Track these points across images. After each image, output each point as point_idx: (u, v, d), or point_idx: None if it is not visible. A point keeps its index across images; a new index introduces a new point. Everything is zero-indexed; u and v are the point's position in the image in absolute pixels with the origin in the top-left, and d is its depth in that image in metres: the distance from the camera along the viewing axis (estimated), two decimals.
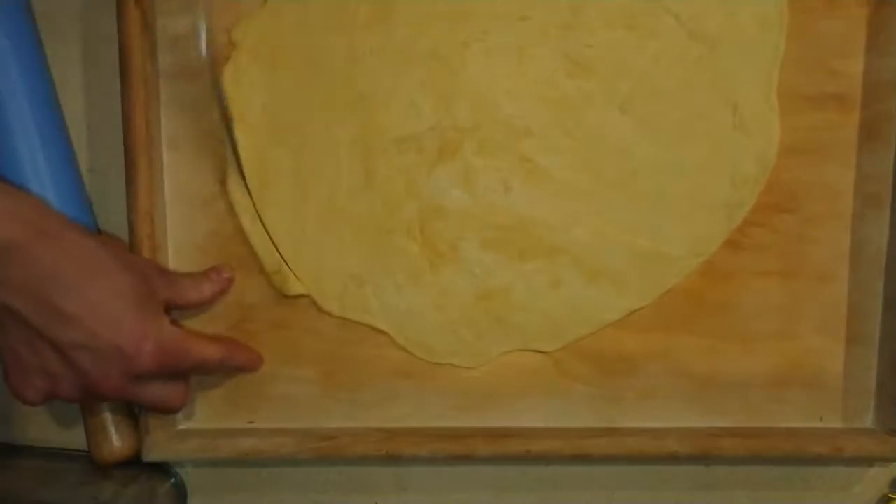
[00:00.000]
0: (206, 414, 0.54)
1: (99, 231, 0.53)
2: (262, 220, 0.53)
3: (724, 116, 0.52)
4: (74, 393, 0.46)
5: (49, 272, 0.43)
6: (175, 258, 0.54)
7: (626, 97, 0.52)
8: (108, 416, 0.52)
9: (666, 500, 0.55)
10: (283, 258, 0.53)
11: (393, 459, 0.52)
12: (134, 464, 0.53)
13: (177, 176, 0.54)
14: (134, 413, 0.53)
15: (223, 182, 0.53)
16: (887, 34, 0.51)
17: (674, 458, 0.52)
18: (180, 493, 0.55)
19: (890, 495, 0.55)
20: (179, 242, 0.54)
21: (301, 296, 0.53)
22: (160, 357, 0.46)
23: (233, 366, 0.52)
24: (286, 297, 0.53)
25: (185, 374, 0.50)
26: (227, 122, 0.53)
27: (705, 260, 0.53)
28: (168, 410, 0.50)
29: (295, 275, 0.53)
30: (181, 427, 0.54)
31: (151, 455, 0.52)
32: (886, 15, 0.51)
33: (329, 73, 0.52)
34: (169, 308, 0.49)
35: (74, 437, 0.55)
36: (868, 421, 0.53)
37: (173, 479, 0.55)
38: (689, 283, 0.53)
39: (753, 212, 0.52)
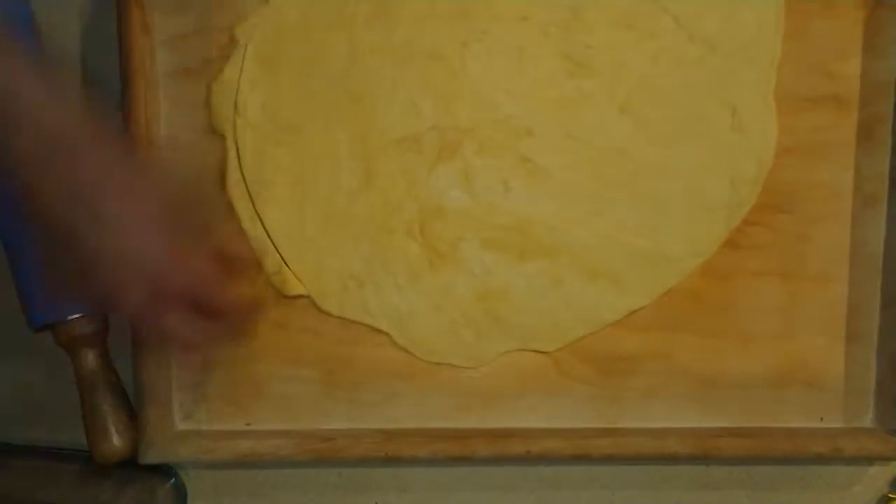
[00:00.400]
0: (203, 415, 0.54)
1: None
2: (261, 221, 0.53)
3: (722, 118, 0.52)
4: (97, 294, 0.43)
5: (95, 173, 0.40)
6: None
7: (626, 98, 0.52)
8: (108, 416, 0.52)
9: (666, 500, 0.55)
10: (282, 258, 0.53)
11: (392, 461, 0.52)
12: (134, 464, 0.53)
13: (176, 176, 0.53)
14: (135, 413, 0.53)
15: (223, 182, 0.53)
16: (884, 36, 0.52)
17: (674, 458, 0.52)
18: (180, 494, 0.55)
19: (890, 495, 0.55)
20: None
21: (301, 296, 0.53)
22: (193, 279, 0.43)
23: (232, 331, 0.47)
24: (286, 297, 0.53)
25: (211, 316, 0.45)
26: (226, 122, 0.53)
27: (705, 260, 0.53)
28: (185, 347, 0.47)
29: (295, 275, 0.53)
30: (179, 428, 0.54)
31: (148, 457, 0.52)
32: (883, 17, 0.51)
33: (329, 73, 0.52)
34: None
35: (74, 437, 0.54)
36: (868, 420, 0.53)
37: (173, 480, 0.54)
38: (689, 284, 0.53)
39: (752, 212, 0.53)
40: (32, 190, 0.40)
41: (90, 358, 0.53)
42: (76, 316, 0.52)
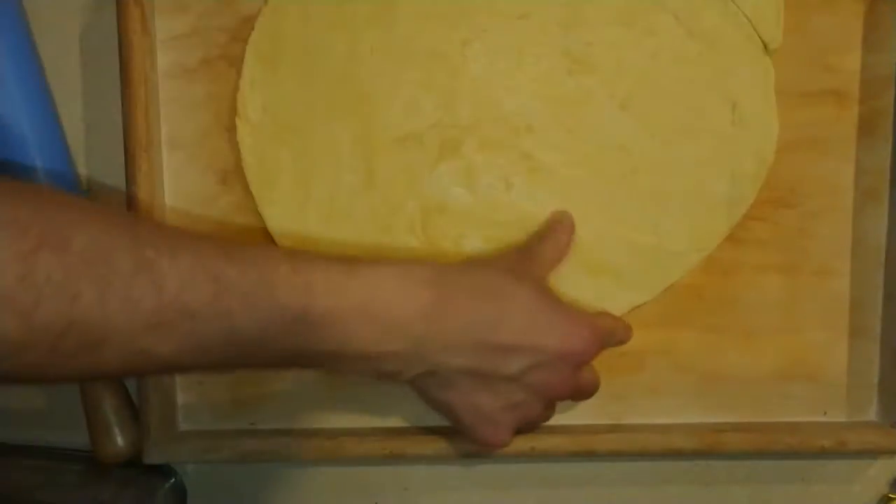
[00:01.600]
0: (207, 415, 0.54)
1: None
2: (263, 220, 0.53)
3: (722, 113, 0.52)
4: (538, 410, 0.47)
5: (470, 319, 0.43)
6: None
7: (626, 94, 0.52)
8: (111, 416, 0.52)
9: (666, 498, 0.55)
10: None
11: (396, 459, 0.52)
12: (134, 464, 0.52)
13: (177, 176, 0.53)
14: (137, 413, 0.53)
15: (223, 182, 0.53)
16: (883, 30, 0.52)
17: (679, 454, 0.51)
18: (180, 494, 0.55)
19: (890, 495, 0.55)
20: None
21: None
22: (597, 337, 0.46)
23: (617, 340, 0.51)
24: None
25: None
26: (227, 121, 0.53)
27: (707, 255, 0.53)
28: (592, 391, 0.50)
29: None
30: (182, 429, 0.54)
31: (152, 457, 0.52)
32: (882, 10, 0.52)
33: (330, 72, 0.52)
34: None
35: (74, 437, 0.54)
36: (872, 414, 0.53)
37: (173, 480, 0.54)
38: (691, 279, 0.53)
39: (754, 207, 0.52)
40: (430, 363, 0.43)
41: None
42: None
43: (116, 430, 0.52)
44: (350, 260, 0.42)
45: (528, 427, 0.49)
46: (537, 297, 0.45)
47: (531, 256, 0.49)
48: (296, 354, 0.40)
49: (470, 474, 0.55)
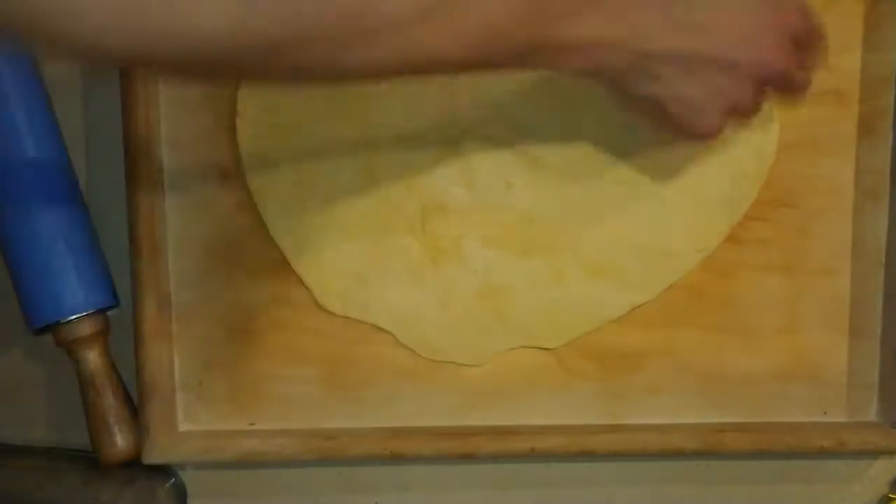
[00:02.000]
0: (207, 415, 0.54)
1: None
2: (263, 220, 0.53)
3: None
4: (749, 93, 0.44)
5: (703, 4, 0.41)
6: (175, 257, 0.53)
7: None
8: (111, 416, 0.52)
9: (666, 497, 0.55)
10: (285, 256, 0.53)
11: (396, 459, 0.52)
12: (134, 464, 0.52)
13: (177, 176, 0.53)
14: (138, 413, 0.53)
15: (223, 182, 0.53)
16: (884, 29, 0.52)
17: (679, 454, 0.51)
18: (180, 494, 0.55)
19: (890, 496, 0.55)
20: (180, 241, 0.53)
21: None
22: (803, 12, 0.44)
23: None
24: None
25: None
26: (227, 121, 0.53)
27: (707, 255, 0.53)
28: (812, 63, 0.47)
29: (296, 273, 0.53)
30: (182, 429, 0.54)
31: (152, 457, 0.52)
32: (883, 10, 0.52)
33: None
34: None
35: (74, 437, 0.54)
36: (872, 414, 0.53)
37: (173, 480, 0.54)
38: (692, 279, 0.53)
39: (754, 207, 0.53)
40: (655, 39, 0.41)
41: (91, 358, 0.52)
42: (76, 316, 0.52)
43: (116, 430, 0.52)
44: None
45: (742, 113, 0.45)
46: None
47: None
48: (530, 47, 0.39)
49: (470, 474, 0.55)
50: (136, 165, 0.51)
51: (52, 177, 0.52)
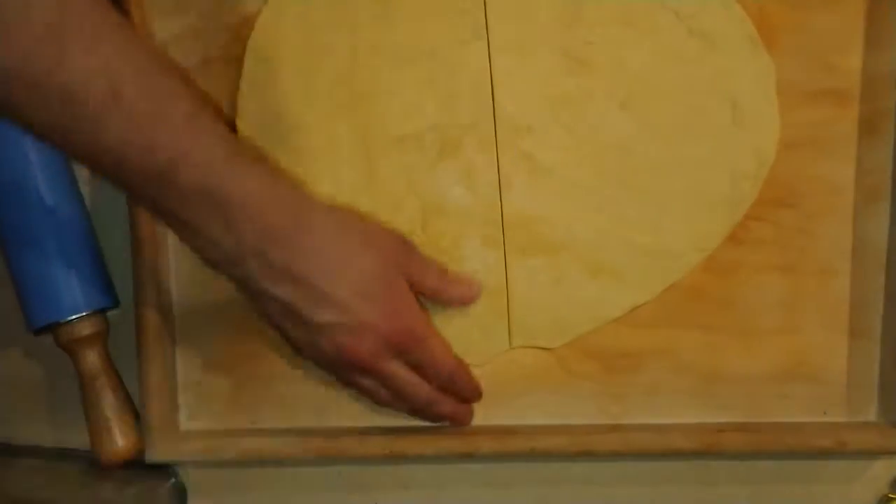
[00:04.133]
0: (208, 414, 0.54)
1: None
2: None
3: (723, 112, 0.52)
4: (356, 378, 0.48)
5: (308, 257, 0.44)
6: (175, 257, 0.54)
7: (626, 94, 0.52)
8: (111, 416, 0.52)
9: (667, 497, 0.55)
10: None
11: (397, 459, 0.52)
12: (134, 464, 0.53)
13: None
14: (137, 413, 0.53)
15: None
16: (885, 29, 0.51)
17: (678, 454, 0.51)
18: (180, 494, 0.55)
19: (890, 495, 0.55)
20: (181, 243, 0.53)
21: None
22: (405, 335, 0.46)
23: (449, 396, 0.51)
24: None
25: (428, 367, 0.49)
26: (227, 121, 0.53)
27: (707, 255, 0.53)
28: (413, 400, 0.49)
29: None
30: (183, 428, 0.54)
31: (154, 457, 0.52)
32: (884, 9, 0.51)
33: (330, 72, 0.52)
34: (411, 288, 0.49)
35: (74, 437, 0.54)
36: (871, 414, 0.53)
37: (173, 480, 0.54)
38: (692, 279, 0.53)
39: (754, 207, 0.52)
40: (253, 279, 0.44)
41: (90, 358, 0.53)
42: (76, 316, 0.52)
43: (116, 430, 0.52)
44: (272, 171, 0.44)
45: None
46: (379, 269, 0.46)
47: (412, 250, 0.49)
48: (153, 200, 0.42)
49: (470, 474, 0.55)
50: None
51: (51, 177, 0.52)
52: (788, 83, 0.52)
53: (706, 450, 0.51)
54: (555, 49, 0.52)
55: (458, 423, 0.52)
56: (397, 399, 0.49)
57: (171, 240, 0.53)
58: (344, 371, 0.48)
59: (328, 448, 0.52)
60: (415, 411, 0.51)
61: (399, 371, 0.48)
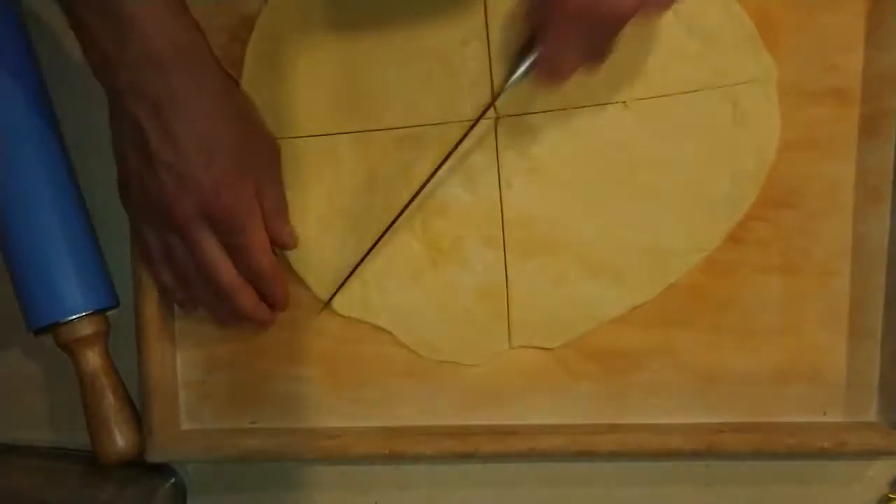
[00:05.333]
0: (209, 414, 0.54)
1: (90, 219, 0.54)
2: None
3: (723, 112, 0.52)
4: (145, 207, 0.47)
5: (178, 98, 0.44)
6: None
7: (627, 94, 0.52)
8: (111, 416, 0.52)
9: (667, 497, 0.55)
10: (284, 256, 0.53)
11: (397, 458, 0.52)
12: (134, 464, 0.53)
13: None
14: (137, 413, 0.53)
15: None
16: (886, 28, 0.51)
17: (678, 454, 0.51)
18: (180, 494, 0.55)
19: (890, 495, 0.55)
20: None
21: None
22: (228, 211, 0.46)
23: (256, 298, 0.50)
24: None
25: (241, 254, 0.48)
26: None
27: (707, 255, 0.53)
28: (216, 279, 0.48)
29: (298, 274, 0.53)
30: (184, 428, 0.54)
31: (155, 456, 0.52)
32: (885, 9, 0.51)
33: (330, 72, 0.52)
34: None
35: (74, 437, 0.54)
36: (872, 414, 0.53)
37: (173, 480, 0.54)
38: (692, 279, 0.53)
39: (755, 207, 0.52)
40: (123, 93, 0.44)
41: (90, 358, 0.53)
42: (76, 316, 0.52)
43: (116, 430, 0.52)
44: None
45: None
46: (238, 146, 0.46)
47: (277, 177, 0.50)
48: None
49: (470, 474, 0.55)
50: None
51: (51, 176, 0.53)
52: (789, 83, 0.52)
53: (705, 450, 0.51)
54: None
55: (258, 323, 0.51)
56: (199, 278, 0.48)
57: None
58: (156, 223, 0.47)
59: (328, 447, 0.52)
60: (214, 305, 0.50)
61: (210, 243, 0.47)
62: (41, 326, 0.52)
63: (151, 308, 0.52)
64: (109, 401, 0.53)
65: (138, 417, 0.53)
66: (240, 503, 0.56)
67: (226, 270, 0.48)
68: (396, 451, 0.51)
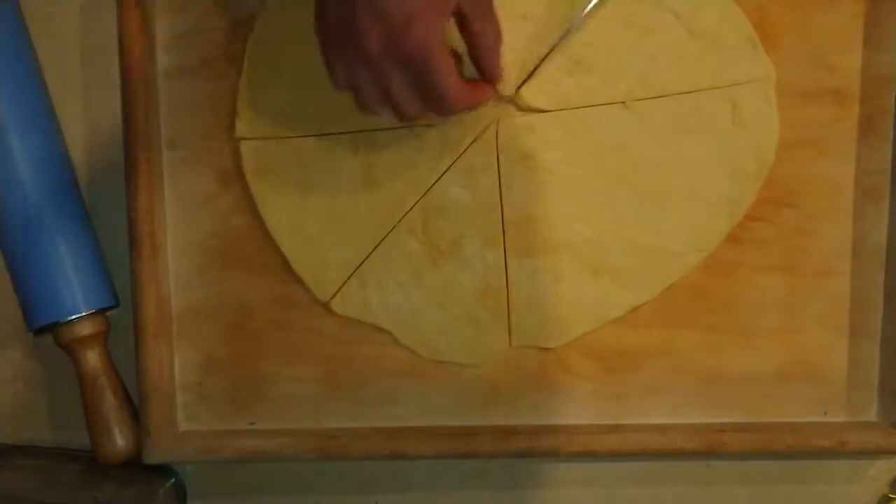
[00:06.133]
0: (207, 415, 0.54)
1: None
2: (263, 220, 0.53)
3: (723, 112, 0.52)
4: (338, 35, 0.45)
5: None
6: (175, 257, 0.54)
7: (626, 94, 0.52)
8: (111, 416, 0.52)
9: (667, 497, 0.55)
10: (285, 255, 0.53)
11: (397, 458, 0.51)
12: (134, 464, 0.53)
13: (176, 176, 0.53)
14: (137, 413, 0.53)
15: (223, 182, 0.53)
16: (884, 29, 0.52)
17: (678, 454, 0.51)
18: (180, 494, 0.55)
19: (890, 495, 0.55)
20: (180, 242, 0.53)
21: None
22: (416, 49, 0.43)
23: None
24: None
25: (428, 93, 0.45)
26: (227, 121, 0.53)
27: (707, 255, 0.53)
28: (400, 112, 0.46)
29: (297, 273, 0.53)
30: (182, 429, 0.54)
31: (152, 457, 0.52)
32: (883, 10, 0.52)
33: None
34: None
35: (74, 437, 0.54)
36: (872, 414, 0.53)
37: (173, 480, 0.54)
38: (692, 279, 0.53)
39: (754, 207, 0.52)
40: None
41: (90, 359, 0.53)
42: (76, 316, 0.52)
43: (116, 430, 0.52)
44: None
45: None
46: None
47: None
48: None
49: (470, 474, 0.55)
50: (136, 165, 0.51)
51: (51, 177, 0.52)
52: (788, 83, 0.52)
53: (706, 450, 0.51)
54: (554, 50, 0.51)
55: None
56: (382, 103, 0.46)
57: (170, 240, 0.53)
58: (345, 55, 0.45)
59: (327, 448, 0.51)
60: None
61: (396, 82, 0.45)
62: (41, 326, 0.52)
63: (150, 308, 0.51)
64: (109, 401, 0.52)
65: (138, 417, 0.53)
66: (238, 503, 0.56)
67: (412, 110, 0.46)
68: (396, 451, 0.51)
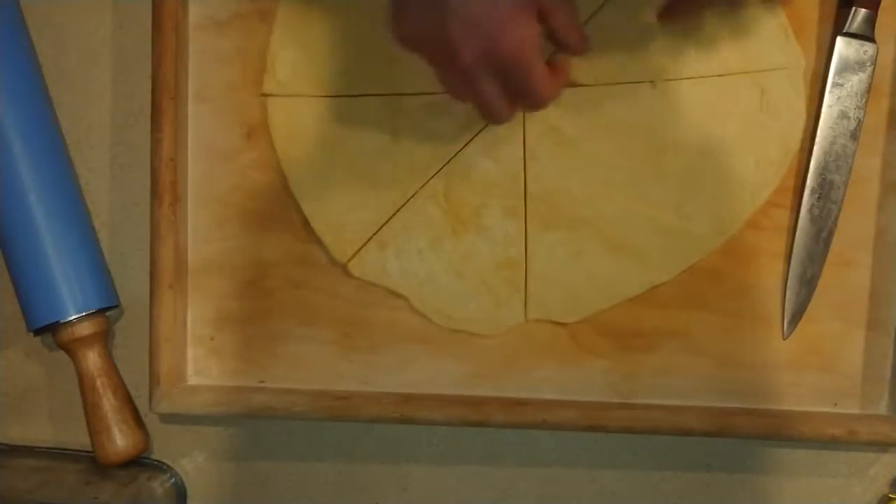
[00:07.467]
0: (217, 370, 0.54)
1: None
2: (286, 177, 0.52)
3: (751, 98, 0.52)
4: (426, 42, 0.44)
5: None
6: (195, 210, 0.53)
7: (656, 73, 0.52)
8: (111, 416, 0.52)
9: (671, 490, 0.55)
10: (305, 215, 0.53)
11: (408, 422, 0.51)
12: (134, 464, 0.53)
13: (201, 128, 0.53)
14: (137, 413, 0.53)
15: (248, 137, 0.53)
16: None
17: (689, 434, 0.51)
18: (180, 494, 0.54)
19: (890, 495, 0.54)
20: (200, 195, 0.53)
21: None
22: (514, 54, 0.43)
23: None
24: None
25: (522, 93, 0.46)
26: (255, 76, 0.52)
27: (727, 239, 0.52)
28: (492, 115, 0.46)
29: (316, 233, 0.53)
30: (191, 382, 0.54)
31: (160, 408, 0.51)
32: None
33: (361, 33, 0.52)
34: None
35: (74, 437, 0.54)
36: (882, 408, 0.53)
37: (173, 479, 0.54)
38: (711, 262, 0.53)
39: (776, 194, 0.52)
40: None
41: (90, 358, 0.52)
42: (76, 316, 0.52)
43: (116, 430, 0.52)
44: None
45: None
46: None
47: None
48: None
49: (470, 474, 0.54)
50: (162, 114, 0.51)
51: (51, 177, 0.52)
52: (817, 73, 0.52)
53: (717, 431, 0.51)
54: (588, 26, 0.51)
55: None
56: (474, 100, 0.46)
57: (191, 192, 0.53)
58: (433, 60, 0.44)
59: (337, 407, 0.51)
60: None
61: (491, 90, 0.45)
62: (41, 326, 0.52)
63: (167, 257, 0.51)
64: (109, 401, 0.52)
65: (138, 417, 0.53)
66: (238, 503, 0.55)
67: (505, 114, 0.46)
68: (407, 415, 0.51)
